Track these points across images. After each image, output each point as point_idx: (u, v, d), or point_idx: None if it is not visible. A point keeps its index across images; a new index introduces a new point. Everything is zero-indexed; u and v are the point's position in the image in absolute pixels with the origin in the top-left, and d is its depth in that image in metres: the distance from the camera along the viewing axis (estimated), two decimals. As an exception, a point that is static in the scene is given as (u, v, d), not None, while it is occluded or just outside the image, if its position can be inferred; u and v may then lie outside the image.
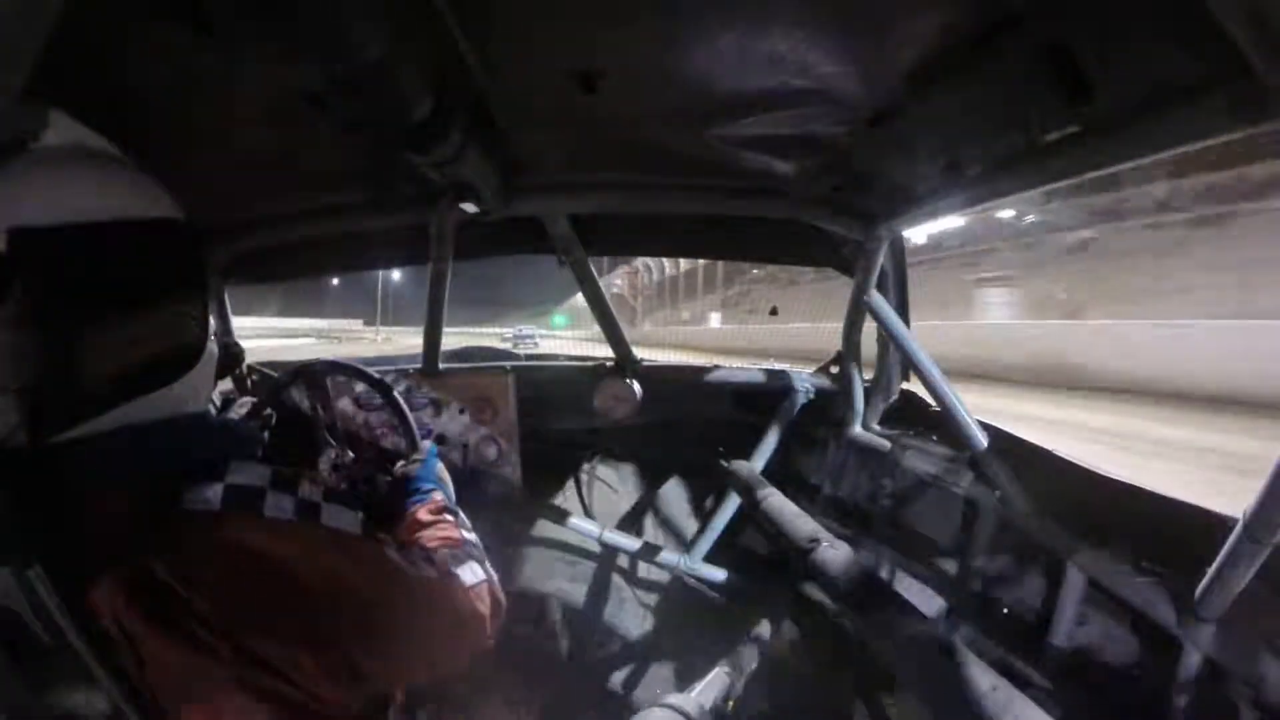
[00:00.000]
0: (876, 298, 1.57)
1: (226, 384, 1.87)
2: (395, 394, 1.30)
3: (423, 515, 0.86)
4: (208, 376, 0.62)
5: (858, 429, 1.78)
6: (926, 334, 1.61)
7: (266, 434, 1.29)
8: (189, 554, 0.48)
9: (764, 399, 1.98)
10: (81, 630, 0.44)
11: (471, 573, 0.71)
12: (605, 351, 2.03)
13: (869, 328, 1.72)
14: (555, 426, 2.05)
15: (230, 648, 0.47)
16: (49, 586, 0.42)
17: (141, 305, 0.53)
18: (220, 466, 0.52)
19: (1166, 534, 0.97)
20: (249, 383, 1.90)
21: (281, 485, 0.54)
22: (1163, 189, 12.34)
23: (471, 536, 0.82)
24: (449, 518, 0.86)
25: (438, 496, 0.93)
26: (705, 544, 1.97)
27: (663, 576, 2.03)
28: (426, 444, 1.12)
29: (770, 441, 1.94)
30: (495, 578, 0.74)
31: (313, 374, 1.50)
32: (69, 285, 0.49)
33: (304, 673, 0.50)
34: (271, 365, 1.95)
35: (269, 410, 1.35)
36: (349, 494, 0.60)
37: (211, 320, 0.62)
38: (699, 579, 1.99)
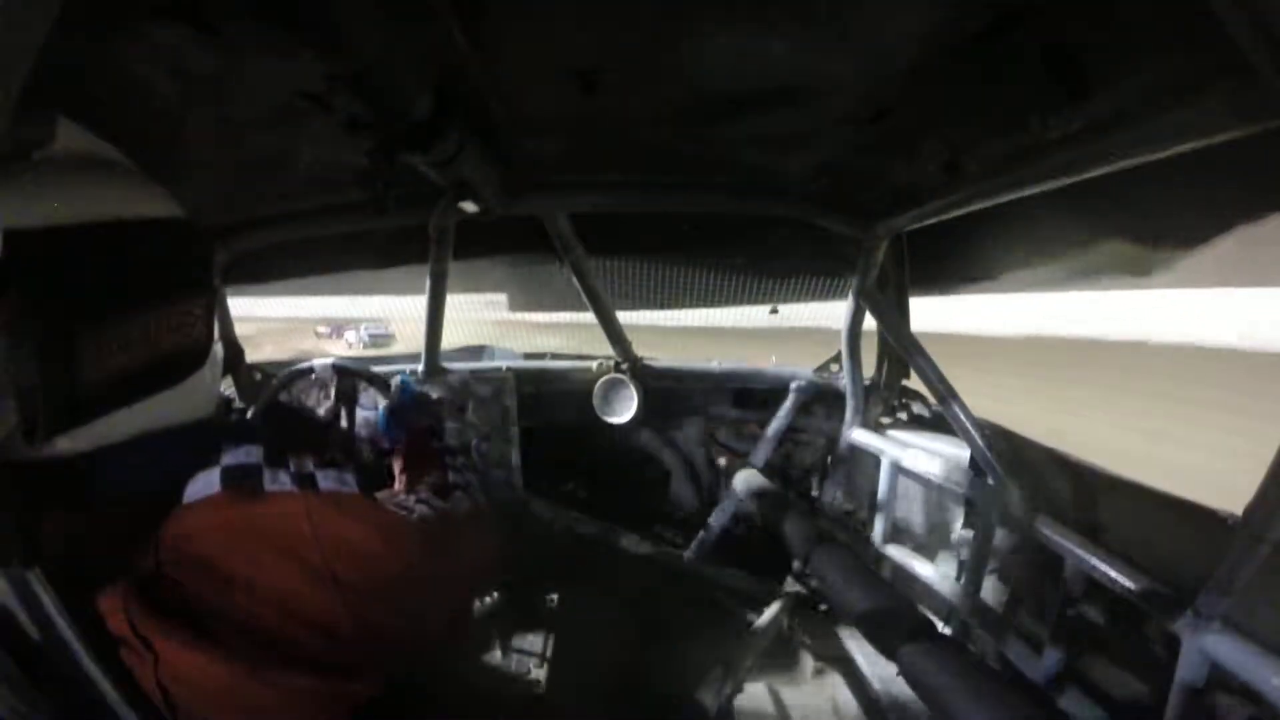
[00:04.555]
0: (877, 296, 1.57)
1: (225, 384, 1.87)
2: (385, 382, 1.31)
3: (400, 462, 0.89)
4: (215, 377, 0.62)
5: (858, 428, 1.78)
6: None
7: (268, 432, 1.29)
8: (197, 543, 0.48)
9: (764, 398, 1.98)
10: (84, 633, 0.44)
11: (464, 502, 0.74)
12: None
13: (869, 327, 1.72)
14: (555, 426, 2.05)
15: (245, 639, 0.47)
16: (48, 589, 0.42)
17: (143, 306, 0.53)
18: (214, 453, 0.53)
19: (1166, 533, 0.97)
20: (249, 382, 1.90)
21: (275, 461, 0.55)
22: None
23: (456, 471, 0.85)
24: (428, 465, 0.90)
25: (417, 437, 0.98)
26: (705, 543, 1.97)
27: (663, 576, 2.03)
28: (395, 380, 1.15)
29: (770, 440, 1.94)
30: (485, 501, 0.77)
31: (313, 374, 1.50)
32: (69, 287, 0.48)
33: (326, 641, 0.50)
34: (272, 365, 1.95)
35: (273, 410, 1.35)
36: (342, 462, 0.61)
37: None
38: (699, 578, 1.99)
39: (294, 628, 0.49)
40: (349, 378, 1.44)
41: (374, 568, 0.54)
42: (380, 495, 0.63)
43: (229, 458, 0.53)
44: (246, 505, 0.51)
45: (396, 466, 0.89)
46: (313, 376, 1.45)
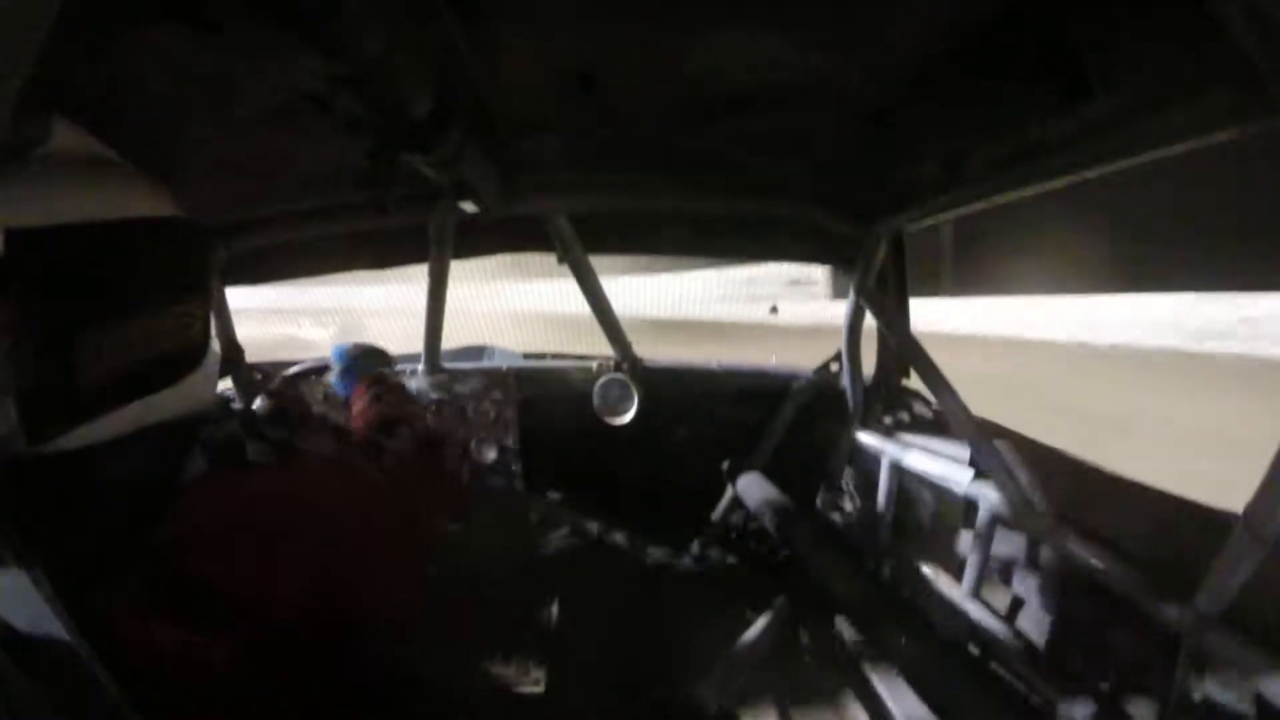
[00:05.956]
0: (877, 296, 1.57)
1: (225, 384, 1.87)
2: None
3: (358, 403, 0.93)
4: (212, 376, 0.63)
5: (858, 427, 1.78)
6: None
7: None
8: (189, 526, 0.49)
9: (764, 398, 1.98)
10: (84, 631, 0.44)
11: (428, 439, 0.77)
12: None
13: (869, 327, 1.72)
14: (555, 426, 2.05)
15: (242, 632, 0.48)
16: (49, 589, 0.42)
17: (143, 305, 0.53)
18: (199, 437, 0.55)
19: (1167, 532, 0.97)
20: (249, 382, 1.90)
21: (252, 434, 0.58)
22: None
23: (411, 391, 0.89)
24: (380, 394, 0.92)
25: (369, 381, 1.01)
26: (705, 544, 1.97)
27: (663, 576, 2.03)
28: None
29: (770, 440, 1.94)
30: (454, 432, 0.82)
31: (313, 374, 1.51)
32: (68, 286, 0.48)
33: (312, 606, 0.51)
34: (273, 365, 1.95)
35: (273, 410, 1.35)
36: (319, 421, 0.65)
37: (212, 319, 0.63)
38: (699, 578, 1.99)
39: (284, 596, 0.51)
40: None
41: (347, 529, 0.57)
42: (357, 457, 0.67)
43: (212, 434, 0.56)
44: (231, 481, 0.53)
45: (354, 409, 0.93)
46: (313, 377, 1.45)
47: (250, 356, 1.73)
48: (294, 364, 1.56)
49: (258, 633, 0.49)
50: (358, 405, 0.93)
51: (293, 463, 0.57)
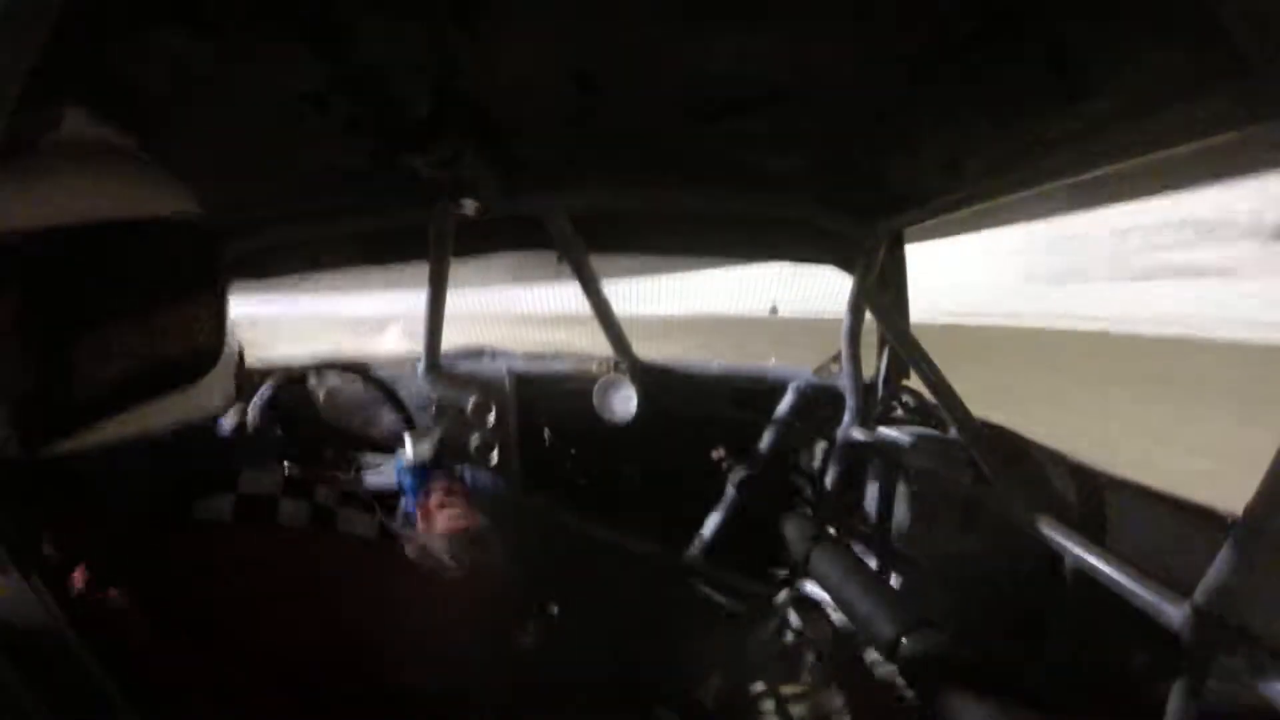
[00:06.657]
0: (877, 296, 1.57)
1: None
2: (384, 381, 1.31)
3: (433, 504, 0.89)
4: (226, 379, 0.60)
5: (858, 427, 1.78)
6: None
7: (275, 436, 1.29)
8: (201, 566, 0.47)
9: (764, 398, 1.98)
10: (87, 641, 0.44)
11: (485, 555, 0.73)
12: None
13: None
14: (555, 426, 2.05)
15: (243, 661, 0.47)
16: (49, 596, 0.42)
17: (145, 308, 0.51)
18: (232, 476, 0.52)
19: (1166, 532, 0.97)
20: (249, 383, 1.90)
21: (295, 492, 0.53)
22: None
23: (480, 518, 0.85)
24: (457, 503, 0.89)
25: (442, 484, 0.97)
26: (705, 543, 1.97)
27: (663, 576, 2.03)
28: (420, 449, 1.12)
29: (770, 441, 1.94)
30: (503, 559, 0.77)
31: (312, 374, 1.50)
32: (68, 288, 0.47)
33: (326, 682, 0.49)
34: (272, 365, 1.94)
35: (273, 410, 1.35)
36: (364, 497, 0.60)
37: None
38: (699, 579, 1.99)
39: (289, 657, 0.48)
40: (347, 376, 1.44)
41: (378, 615, 0.53)
42: (402, 536, 0.62)
43: (248, 485, 0.52)
44: (253, 540, 0.50)
45: (425, 510, 0.89)
46: (313, 381, 1.45)
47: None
48: (293, 365, 1.56)
49: (263, 674, 0.48)
50: (437, 505, 0.88)
51: (325, 539, 0.53)
